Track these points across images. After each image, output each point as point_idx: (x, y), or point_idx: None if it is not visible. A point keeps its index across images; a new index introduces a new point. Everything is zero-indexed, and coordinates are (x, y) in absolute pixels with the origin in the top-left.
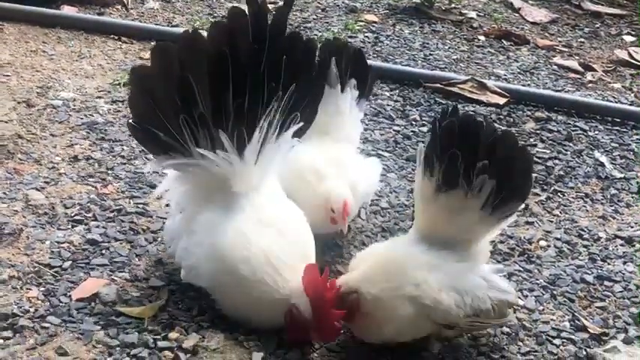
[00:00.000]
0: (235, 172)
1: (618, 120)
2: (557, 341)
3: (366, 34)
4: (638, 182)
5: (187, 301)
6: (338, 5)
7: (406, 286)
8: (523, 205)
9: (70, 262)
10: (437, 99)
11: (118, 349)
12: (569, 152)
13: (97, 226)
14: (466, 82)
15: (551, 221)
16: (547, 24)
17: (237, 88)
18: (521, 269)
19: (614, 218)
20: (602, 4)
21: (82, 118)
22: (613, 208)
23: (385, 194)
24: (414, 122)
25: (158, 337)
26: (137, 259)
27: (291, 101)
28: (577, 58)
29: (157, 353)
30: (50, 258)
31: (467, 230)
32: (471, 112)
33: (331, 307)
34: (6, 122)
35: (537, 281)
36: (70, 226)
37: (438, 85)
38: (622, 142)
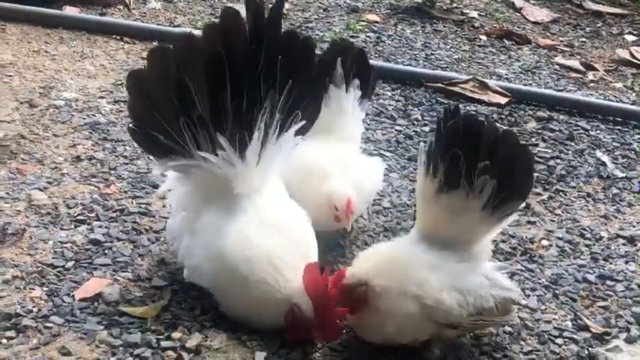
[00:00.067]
0: (237, 173)
1: (620, 119)
2: (559, 340)
3: (367, 34)
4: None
5: (190, 301)
6: (339, 5)
7: (409, 284)
8: (524, 204)
9: (73, 262)
10: (438, 99)
11: (121, 348)
12: (570, 152)
13: (100, 226)
14: (468, 82)
15: (553, 221)
16: (548, 23)
17: (235, 89)
18: (523, 269)
19: (616, 218)
20: (604, 4)
21: (84, 119)
22: (615, 207)
23: (387, 194)
24: (415, 122)
25: (161, 336)
26: (140, 259)
27: (290, 100)
28: (578, 57)
29: (160, 353)
30: (53, 258)
31: (468, 230)
32: (472, 112)
33: (333, 306)
34: (9, 122)
35: (539, 281)
36: (72, 226)
37: (440, 84)
38: (624, 142)
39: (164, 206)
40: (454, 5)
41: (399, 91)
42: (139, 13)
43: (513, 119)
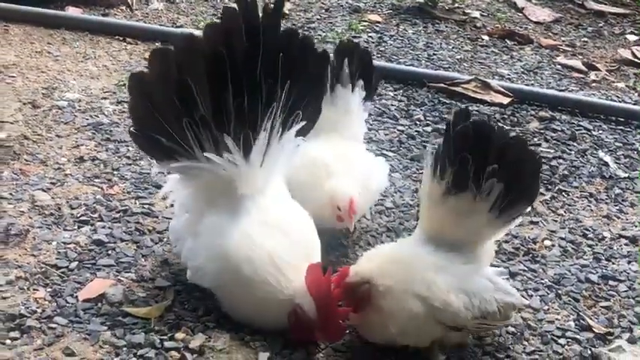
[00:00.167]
0: (241, 174)
1: (622, 119)
2: (562, 341)
3: (369, 34)
4: None
5: (193, 302)
6: (342, 5)
7: (415, 285)
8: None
9: (77, 262)
10: (441, 99)
11: (124, 349)
12: (573, 152)
13: (103, 227)
14: (470, 82)
15: (556, 221)
16: (550, 23)
17: (237, 88)
18: (525, 269)
19: (618, 218)
20: (606, 4)
21: (87, 119)
22: (617, 207)
23: (390, 194)
24: (418, 122)
25: (165, 337)
26: (143, 260)
27: (290, 99)
28: (581, 57)
29: (164, 353)
30: (57, 259)
31: (474, 233)
32: (475, 112)
33: (336, 307)
34: (12, 123)
35: (542, 281)
36: (76, 227)
37: (442, 84)
38: (626, 142)
39: (167, 207)
40: (456, 5)
41: (401, 91)
42: (142, 14)
43: (516, 119)
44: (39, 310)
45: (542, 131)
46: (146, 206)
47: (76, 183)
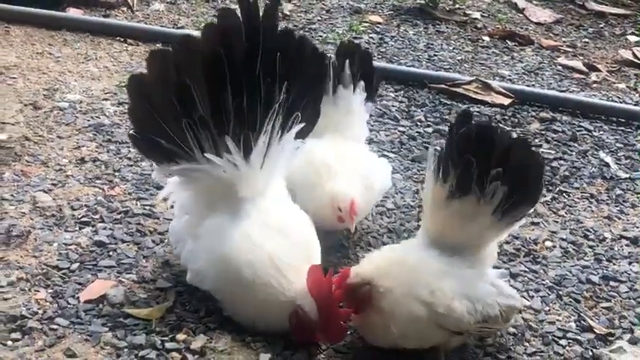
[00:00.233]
0: (242, 176)
1: (623, 120)
2: (563, 342)
3: (370, 35)
4: None
5: (195, 303)
6: (342, 6)
7: (419, 289)
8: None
9: (78, 263)
10: (442, 100)
11: (126, 350)
12: (574, 153)
13: (104, 228)
14: (471, 83)
15: (557, 222)
16: (551, 24)
17: (235, 89)
18: (526, 270)
19: (619, 219)
20: (607, 4)
21: (88, 120)
22: (618, 208)
23: (391, 195)
24: (419, 123)
25: (166, 338)
26: (144, 261)
27: (289, 100)
28: (581, 58)
29: (165, 355)
30: (58, 260)
31: (478, 235)
32: (476, 113)
33: (337, 308)
34: (13, 124)
35: (543, 282)
36: (77, 228)
37: (443, 85)
38: (627, 143)
39: (168, 208)
40: (457, 6)
41: (402, 92)
42: (143, 15)
43: (516, 120)
44: (40, 312)
45: (543, 132)
46: (147, 207)
47: (77, 184)
